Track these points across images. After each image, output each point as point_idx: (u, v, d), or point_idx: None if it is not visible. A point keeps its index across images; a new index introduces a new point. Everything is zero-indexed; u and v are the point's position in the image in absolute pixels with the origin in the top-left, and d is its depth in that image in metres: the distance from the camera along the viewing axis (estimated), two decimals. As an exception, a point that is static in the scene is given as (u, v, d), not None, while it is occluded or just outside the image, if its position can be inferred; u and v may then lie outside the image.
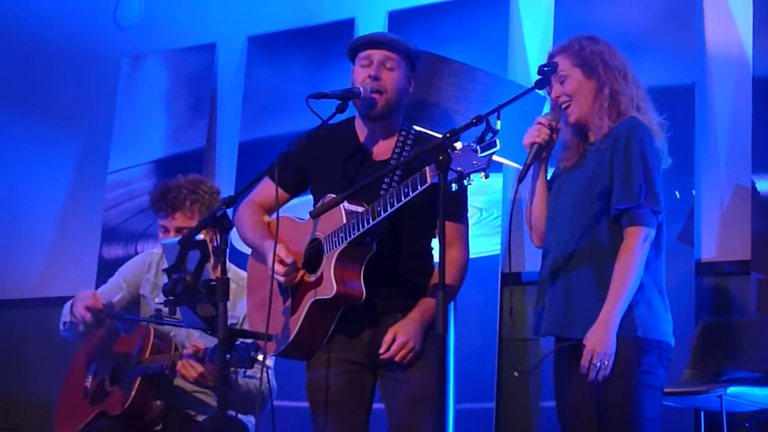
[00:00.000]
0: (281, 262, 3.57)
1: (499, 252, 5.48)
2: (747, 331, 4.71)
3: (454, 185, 3.12)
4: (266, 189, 3.79)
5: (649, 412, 3.39)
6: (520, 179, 3.58)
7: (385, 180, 3.59)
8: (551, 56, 3.68)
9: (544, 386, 5.25)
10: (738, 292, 4.97)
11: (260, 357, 3.38)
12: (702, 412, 4.54)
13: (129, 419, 4.28)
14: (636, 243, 3.42)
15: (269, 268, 3.55)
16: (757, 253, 4.89)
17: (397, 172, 3.59)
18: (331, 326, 3.57)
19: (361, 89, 3.61)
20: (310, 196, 3.79)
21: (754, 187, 4.95)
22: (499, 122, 3.08)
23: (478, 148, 3.06)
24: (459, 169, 3.07)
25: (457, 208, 3.66)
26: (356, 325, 3.60)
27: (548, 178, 3.73)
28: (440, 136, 3.24)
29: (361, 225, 3.43)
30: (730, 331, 4.65)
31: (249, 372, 4.17)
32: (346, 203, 3.49)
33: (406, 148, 3.68)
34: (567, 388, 3.53)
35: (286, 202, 3.79)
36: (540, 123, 3.64)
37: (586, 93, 3.61)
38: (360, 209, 3.47)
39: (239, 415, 4.27)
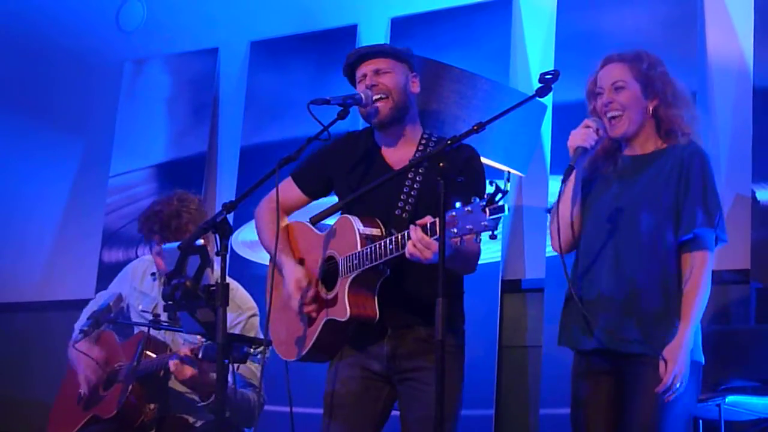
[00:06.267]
0: (299, 288, 3.59)
1: (499, 259, 5.48)
2: (746, 340, 4.72)
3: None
4: (288, 190, 3.79)
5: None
6: (564, 182, 3.53)
7: (405, 188, 3.60)
8: (608, 60, 3.62)
9: (543, 394, 5.25)
10: (737, 301, 4.97)
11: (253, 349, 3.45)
12: (701, 421, 4.54)
13: (122, 423, 4.28)
14: (706, 268, 3.47)
15: (284, 285, 3.61)
16: (756, 262, 4.89)
17: (417, 179, 3.60)
18: (346, 338, 3.62)
19: (363, 95, 3.64)
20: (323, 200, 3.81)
21: (754, 197, 4.95)
22: (508, 184, 3.07)
23: (487, 210, 3.06)
24: (469, 227, 3.08)
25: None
26: (378, 336, 3.61)
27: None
28: (467, 141, 3.26)
29: (375, 257, 3.43)
30: (729, 340, 4.65)
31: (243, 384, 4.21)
32: (361, 227, 3.51)
33: None
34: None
35: (305, 205, 3.82)
36: (589, 126, 3.56)
37: (640, 110, 3.59)
38: (376, 232, 3.49)
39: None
